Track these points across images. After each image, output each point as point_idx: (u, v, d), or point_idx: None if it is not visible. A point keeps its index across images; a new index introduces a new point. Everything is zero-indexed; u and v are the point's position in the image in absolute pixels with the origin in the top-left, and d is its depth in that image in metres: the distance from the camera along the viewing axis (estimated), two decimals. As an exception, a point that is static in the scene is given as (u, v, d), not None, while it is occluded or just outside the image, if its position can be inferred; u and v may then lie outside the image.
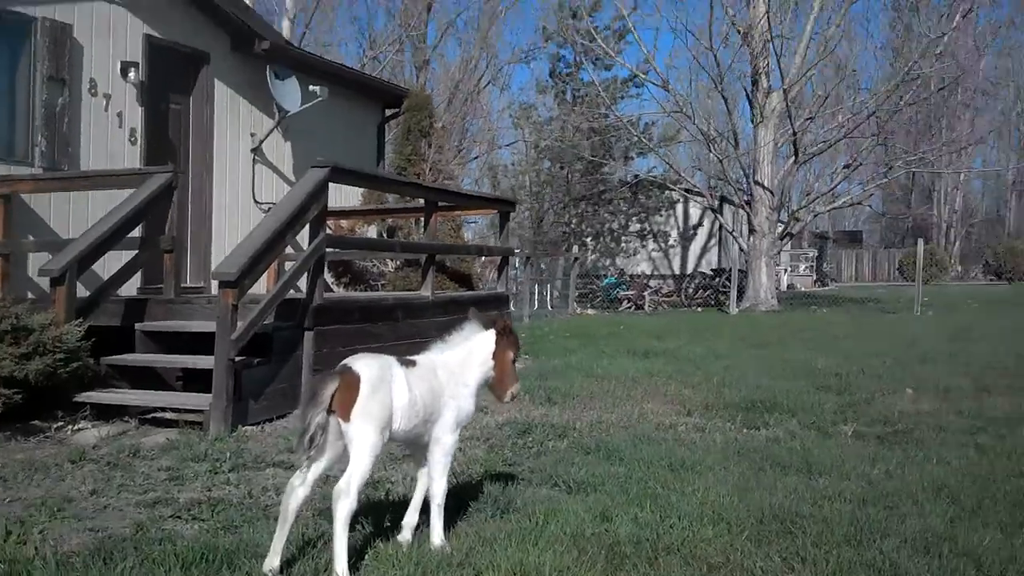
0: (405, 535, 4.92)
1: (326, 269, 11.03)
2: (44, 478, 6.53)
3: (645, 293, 32.65)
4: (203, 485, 6.32)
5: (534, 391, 10.24)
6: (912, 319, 23.69)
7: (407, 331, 11.08)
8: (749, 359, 13.88)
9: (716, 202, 34.74)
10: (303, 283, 9.96)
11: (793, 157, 30.27)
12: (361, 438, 4.29)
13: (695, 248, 40.24)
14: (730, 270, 30.48)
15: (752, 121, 30.85)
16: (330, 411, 4.29)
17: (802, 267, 52.88)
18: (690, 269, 38.33)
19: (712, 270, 35.51)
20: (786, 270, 47.77)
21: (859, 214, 78.18)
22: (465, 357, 4.90)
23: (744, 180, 31.31)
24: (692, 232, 40.17)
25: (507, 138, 44.50)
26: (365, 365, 4.44)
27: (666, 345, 16.11)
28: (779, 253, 34.39)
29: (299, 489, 4.32)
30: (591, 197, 37.80)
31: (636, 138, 35.91)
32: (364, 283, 15.45)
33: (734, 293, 28.82)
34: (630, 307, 31.75)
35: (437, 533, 4.80)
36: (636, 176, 36.96)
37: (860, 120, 30.48)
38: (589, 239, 38.65)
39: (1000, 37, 53.58)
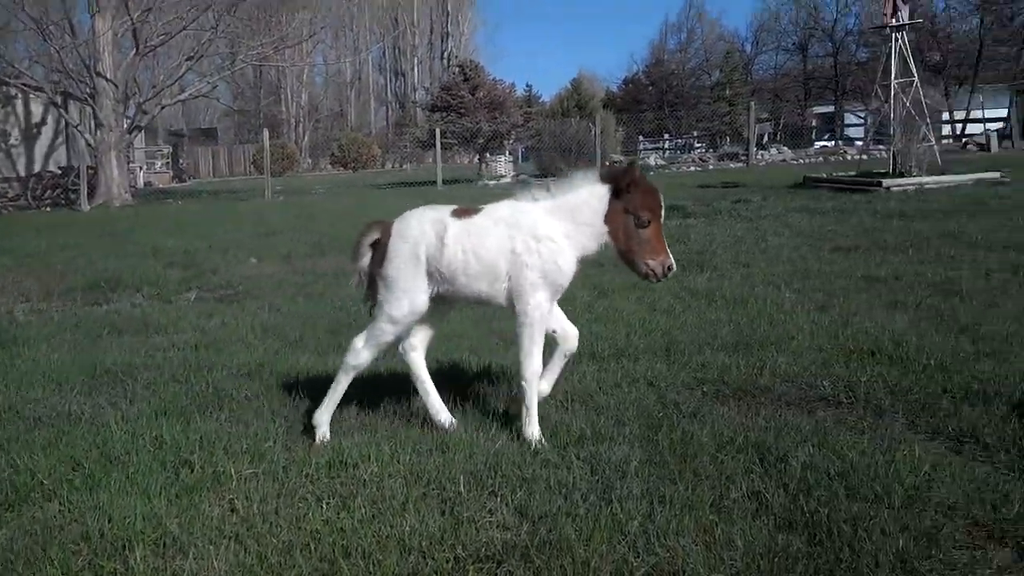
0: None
1: None
2: None
3: (-16, 197, 29.54)
4: None
5: None
6: (264, 204, 24.79)
7: None
8: (98, 246, 13.49)
9: (59, 97, 32.28)
10: None
11: (135, 49, 29.31)
12: (381, 299, 4.09)
13: (41, 146, 37.12)
14: (79, 167, 28.86)
15: (89, 11, 29.12)
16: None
17: (158, 164, 51.90)
18: (37, 169, 35.33)
19: (60, 168, 33.16)
20: (141, 167, 46.48)
21: (213, 112, 78.51)
22: (559, 210, 3.99)
23: (86, 72, 29.56)
24: (36, 130, 36.94)
25: None
26: (402, 217, 4.14)
27: (7, 244, 14.92)
28: (131, 148, 33.34)
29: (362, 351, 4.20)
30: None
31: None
32: None
33: (84, 190, 27.44)
34: (-35, 213, 28.50)
35: (528, 424, 4.04)
36: (-42, 68, 32.59)
37: (199, 12, 30.45)
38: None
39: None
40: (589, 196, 3.96)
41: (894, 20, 18.29)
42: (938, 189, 15.38)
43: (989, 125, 33.58)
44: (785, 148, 38.28)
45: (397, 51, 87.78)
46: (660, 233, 3.94)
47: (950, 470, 3.38)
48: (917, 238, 9.78)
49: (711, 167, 31.64)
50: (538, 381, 4.02)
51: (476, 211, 4.11)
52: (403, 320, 4.09)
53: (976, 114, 41.03)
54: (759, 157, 33.06)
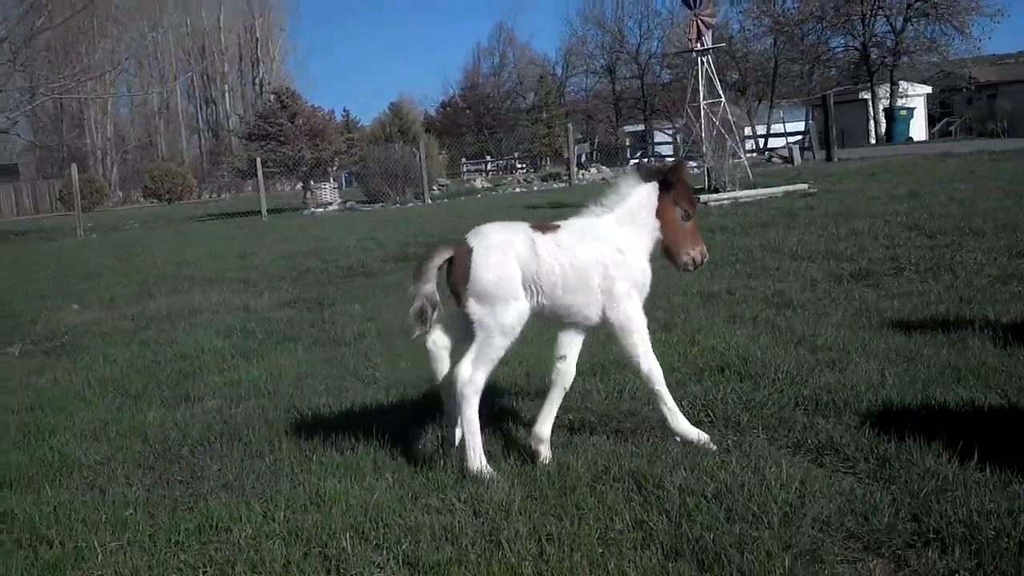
0: (542, 451, 4.13)
1: None
2: None
3: None
4: None
5: None
6: (77, 244, 23.54)
7: None
8: None
9: None
10: None
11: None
12: (480, 317, 3.88)
13: None
14: None
15: None
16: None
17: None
18: None
19: None
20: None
21: (12, 147, 74.03)
22: (623, 219, 4.14)
23: None
24: None
25: None
26: (480, 234, 3.95)
27: None
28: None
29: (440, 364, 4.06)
30: None
31: None
32: None
33: None
34: None
35: (678, 424, 4.17)
36: None
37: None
38: None
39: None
40: (641, 196, 4.19)
41: (699, 45, 19.20)
42: (752, 202, 16.19)
43: (790, 139, 35.65)
44: (604, 167, 39.47)
45: (206, 78, 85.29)
46: (696, 225, 4.29)
47: (818, 484, 3.53)
48: (742, 251, 10.25)
49: (535, 188, 32.22)
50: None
51: (556, 226, 4.14)
52: (514, 328, 3.96)
53: (777, 128, 43.57)
54: (580, 177, 33.96)
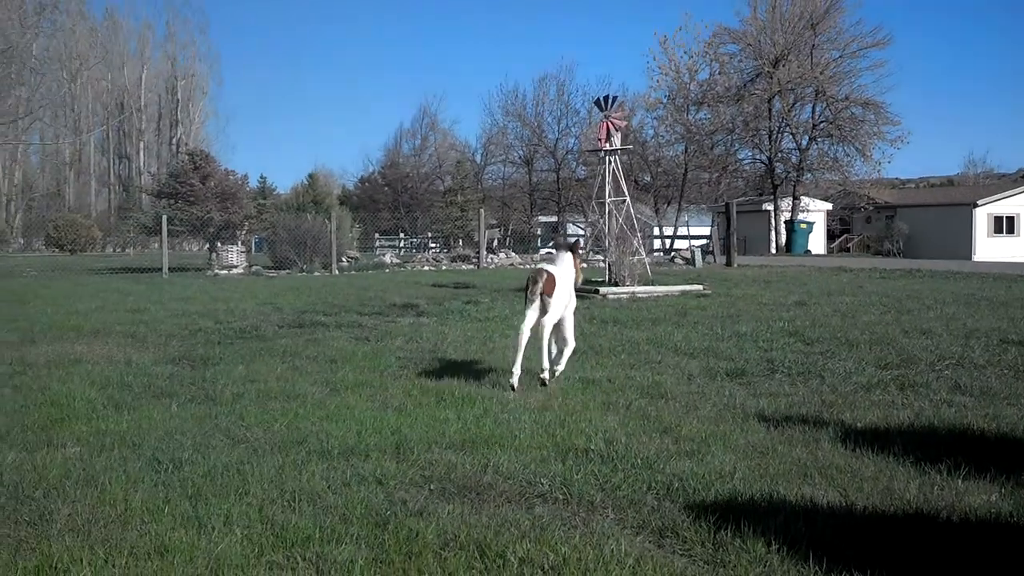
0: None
1: None
2: None
3: None
4: None
5: None
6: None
7: None
8: None
9: None
10: None
11: None
12: (554, 303, 7.68)
13: None
14: None
15: None
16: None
17: None
18: None
19: None
20: None
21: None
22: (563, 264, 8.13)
23: None
24: None
25: None
26: (553, 268, 7.88)
27: None
28: None
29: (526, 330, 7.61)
30: None
31: None
32: None
33: None
34: None
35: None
36: None
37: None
38: None
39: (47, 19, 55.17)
40: (570, 256, 8.21)
41: (607, 145, 19.86)
42: (648, 298, 16.63)
43: (694, 242, 36.73)
44: (513, 253, 40.00)
45: (122, 133, 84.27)
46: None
47: (652, 563, 3.67)
48: (629, 343, 10.53)
49: (444, 267, 32.44)
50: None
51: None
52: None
53: (683, 231, 44.88)
54: (489, 260, 34.33)
